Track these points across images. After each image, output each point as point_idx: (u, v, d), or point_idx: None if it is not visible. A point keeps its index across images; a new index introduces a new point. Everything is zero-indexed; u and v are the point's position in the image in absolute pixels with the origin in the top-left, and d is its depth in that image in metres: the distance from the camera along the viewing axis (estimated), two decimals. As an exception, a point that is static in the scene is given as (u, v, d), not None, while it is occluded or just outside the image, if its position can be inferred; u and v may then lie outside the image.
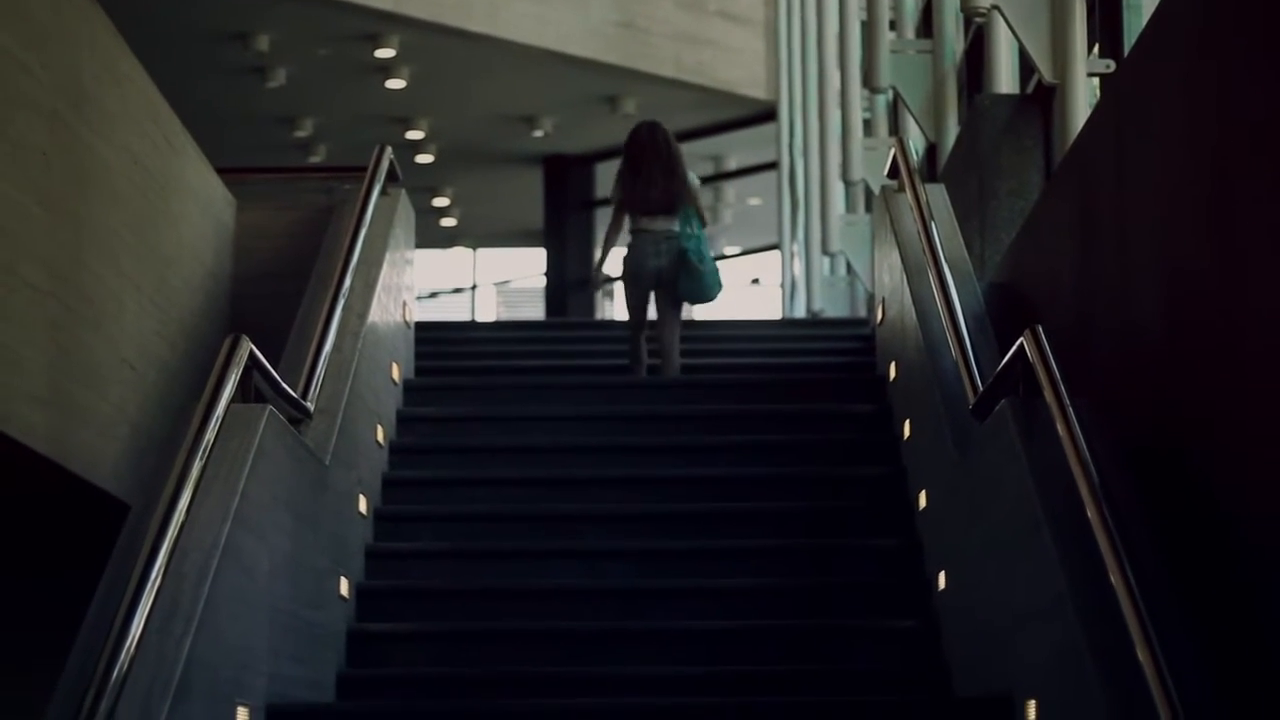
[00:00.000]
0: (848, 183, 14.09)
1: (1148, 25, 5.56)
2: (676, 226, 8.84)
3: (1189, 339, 4.92)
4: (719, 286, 8.85)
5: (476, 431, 8.05)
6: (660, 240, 8.80)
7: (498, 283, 26.78)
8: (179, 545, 4.46)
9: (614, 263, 9.31)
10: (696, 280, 8.76)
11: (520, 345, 10.32)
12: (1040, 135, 8.56)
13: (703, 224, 8.93)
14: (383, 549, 6.99)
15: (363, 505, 6.89)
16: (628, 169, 8.92)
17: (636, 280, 8.87)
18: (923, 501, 6.83)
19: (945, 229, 7.32)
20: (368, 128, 19.51)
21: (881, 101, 14.58)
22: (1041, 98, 8.58)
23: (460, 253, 26.08)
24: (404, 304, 8.33)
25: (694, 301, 8.91)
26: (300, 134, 19.98)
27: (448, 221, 23.88)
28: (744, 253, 24.76)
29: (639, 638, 6.39)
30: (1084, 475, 4.52)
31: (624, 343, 9.30)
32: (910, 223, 7.50)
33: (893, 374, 7.89)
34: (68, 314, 6.86)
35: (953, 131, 10.43)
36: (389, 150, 8.36)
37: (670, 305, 8.87)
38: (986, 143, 8.59)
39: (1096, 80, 8.21)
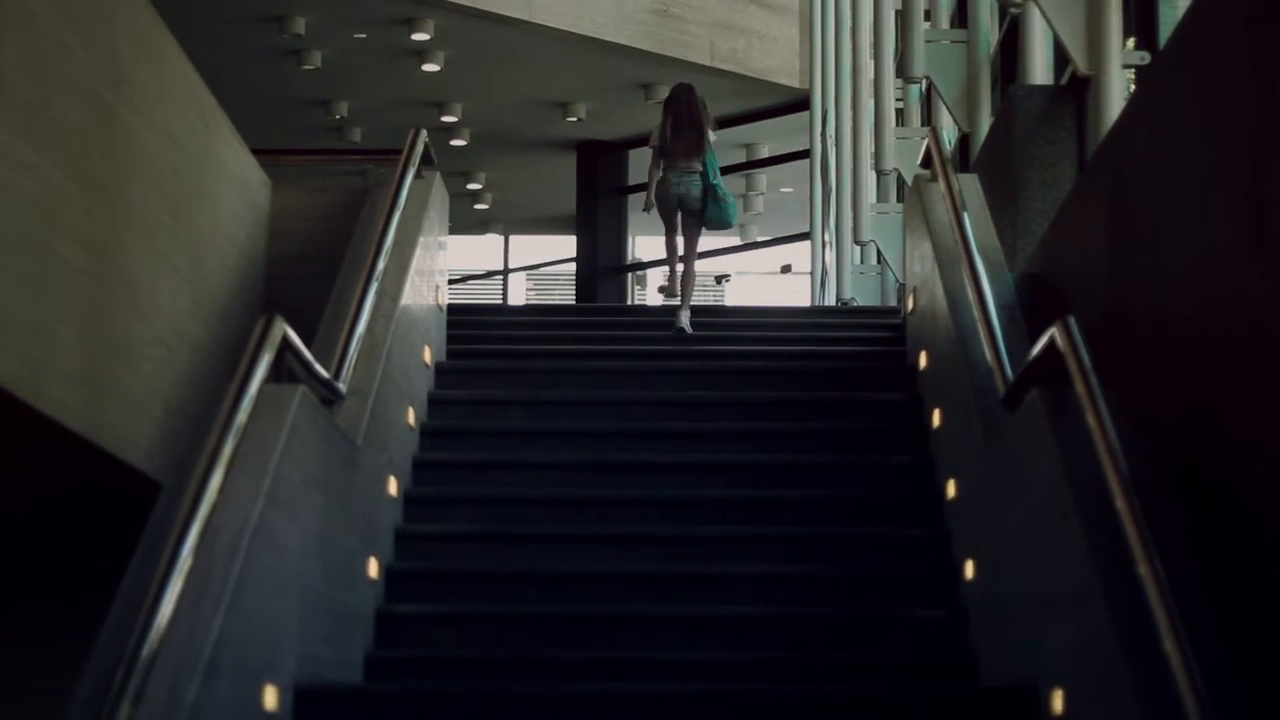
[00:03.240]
0: (880, 172, 14.08)
1: (1184, 17, 5.55)
2: (697, 165, 10.81)
3: (1222, 331, 4.92)
4: (736, 214, 10.97)
5: (507, 415, 8.07)
6: (682, 174, 10.80)
7: (528, 267, 26.76)
8: (210, 524, 4.48)
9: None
10: (721, 208, 10.80)
11: (551, 330, 10.34)
12: (1074, 126, 8.55)
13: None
14: (412, 531, 7.01)
15: (393, 487, 6.91)
16: (666, 125, 10.87)
17: (664, 201, 10.87)
18: (951, 491, 6.83)
19: (977, 219, 7.31)
20: (403, 111, 19.53)
21: (915, 91, 14.57)
22: (1076, 89, 8.56)
23: (492, 239, 26.06)
24: (437, 287, 8.35)
25: (718, 225, 10.89)
26: (336, 116, 20.00)
27: (480, 206, 23.89)
28: (775, 241, 24.70)
29: (667, 623, 6.40)
30: (1113, 466, 4.52)
31: (654, 329, 10.14)
32: (943, 212, 7.49)
33: (923, 363, 7.89)
34: (104, 292, 6.90)
35: (986, 122, 10.42)
36: (424, 133, 8.38)
37: (692, 225, 10.90)
38: (1020, 133, 8.57)
39: (1131, 72, 8.20)
